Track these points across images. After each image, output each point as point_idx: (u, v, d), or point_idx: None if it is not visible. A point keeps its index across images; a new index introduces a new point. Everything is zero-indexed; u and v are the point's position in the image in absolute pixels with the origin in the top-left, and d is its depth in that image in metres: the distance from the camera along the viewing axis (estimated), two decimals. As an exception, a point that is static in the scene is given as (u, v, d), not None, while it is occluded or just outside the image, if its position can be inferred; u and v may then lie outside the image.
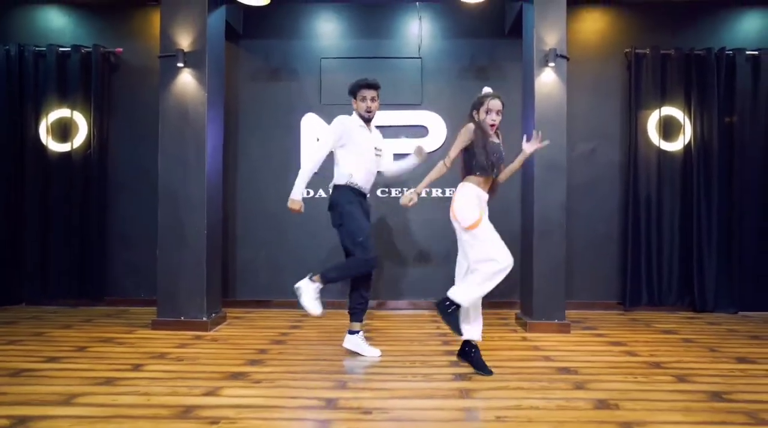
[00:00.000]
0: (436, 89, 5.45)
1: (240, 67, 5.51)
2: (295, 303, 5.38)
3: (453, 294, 2.96)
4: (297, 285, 3.41)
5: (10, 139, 5.28)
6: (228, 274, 5.43)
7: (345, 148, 3.48)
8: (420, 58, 5.45)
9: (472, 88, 5.39)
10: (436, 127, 5.40)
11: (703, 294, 5.16)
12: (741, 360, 3.40)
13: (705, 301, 5.15)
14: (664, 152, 5.30)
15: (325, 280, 3.39)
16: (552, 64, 4.19)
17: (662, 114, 5.28)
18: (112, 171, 5.45)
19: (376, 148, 3.60)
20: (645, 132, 5.32)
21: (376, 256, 3.44)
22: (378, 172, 3.72)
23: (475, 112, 3.10)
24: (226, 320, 4.61)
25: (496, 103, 3.02)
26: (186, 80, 4.26)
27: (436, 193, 5.32)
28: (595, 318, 4.86)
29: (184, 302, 4.21)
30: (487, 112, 3.01)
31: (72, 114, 5.34)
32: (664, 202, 5.28)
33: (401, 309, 5.27)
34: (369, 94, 3.47)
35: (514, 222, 5.25)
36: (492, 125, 3.04)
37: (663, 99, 5.30)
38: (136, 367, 3.14)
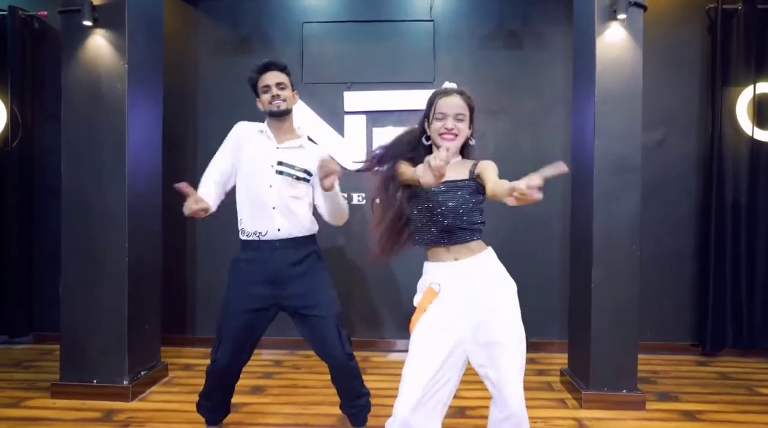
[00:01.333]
0: (452, 62, 4.13)
1: (199, 37, 4.27)
2: (271, 342, 4.24)
3: None
4: None
5: None
6: (185, 307, 4.23)
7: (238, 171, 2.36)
8: (432, 20, 4.13)
9: (500, 59, 4.11)
10: (453, 111, 4.10)
11: (815, 336, 3.82)
12: None
13: (817, 345, 3.82)
14: (760, 143, 3.93)
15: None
16: (622, 16, 2.85)
17: (757, 92, 3.90)
18: (40, 170, 4.25)
19: (280, 164, 2.28)
20: (732, 116, 3.94)
21: (222, 366, 2.28)
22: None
23: (426, 125, 1.84)
24: (167, 376, 3.41)
25: (450, 102, 1.79)
26: (97, 45, 3.02)
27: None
28: (668, 373, 3.56)
29: (96, 358, 3.01)
30: (438, 119, 1.79)
31: (-15, 96, 4.16)
32: (758, 209, 3.93)
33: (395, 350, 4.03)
34: (272, 79, 2.29)
35: (555, 240, 3.94)
36: (446, 135, 1.77)
37: (759, 72, 3.91)
38: None
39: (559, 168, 1.35)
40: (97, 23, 3.00)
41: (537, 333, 4.01)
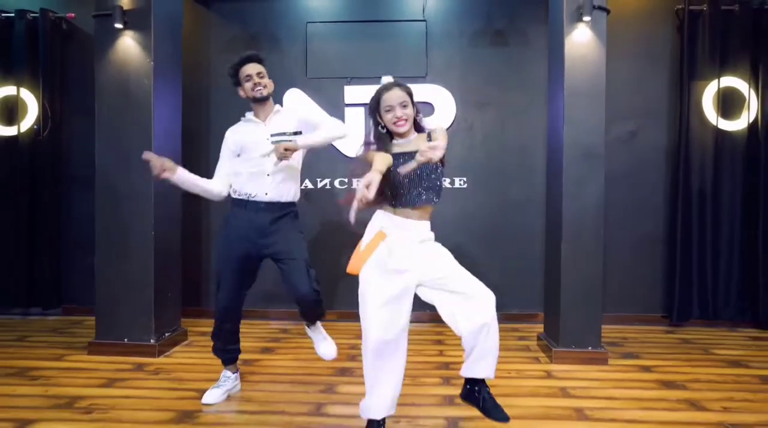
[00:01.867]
0: (443, 58, 4.53)
1: (212, 36, 4.67)
2: (278, 313, 4.67)
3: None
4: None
5: (-55, 122, 4.54)
6: (200, 281, 4.65)
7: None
8: (425, 20, 4.51)
9: (488, 56, 4.49)
10: (444, 103, 4.49)
11: (771, 308, 4.21)
12: None
13: (773, 316, 4.21)
14: (724, 133, 4.30)
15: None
16: (587, 19, 3.23)
17: (721, 86, 4.27)
18: (67, 159, 4.66)
19: (273, 136, 2.63)
20: (699, 108, 4.31)
21: (227, 309, 2.70)
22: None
23: (378, 117, 2.16)
24: (187, 339, 3.83)
25: (393, 95, 2.10)
26: (127, 45, 3.43)
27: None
28: (636, 338, 3.96)
29: (127, 321, 3.43)
30: (387, 111, 2.11)
31: (18, 91, 4.55)
32: (722, 195, 4.31)
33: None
34: (253, 69, 2.70)
35: (537, 221, 4.33)
36: (398, 123, 2.10)
37: (723, 67, 4.28)
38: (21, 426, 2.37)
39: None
40: (127, 26, 3.40)
41: (520, 305, 4.43)
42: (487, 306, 2.01)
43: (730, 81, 4.30)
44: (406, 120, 2.11)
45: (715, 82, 4.28)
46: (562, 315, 3.33)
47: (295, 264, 2.57)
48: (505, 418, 2.03)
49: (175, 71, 3.75)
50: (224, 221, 2.78)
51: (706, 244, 4.31)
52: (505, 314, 4.38)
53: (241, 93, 2.74)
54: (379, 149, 2.11)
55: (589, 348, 3.31)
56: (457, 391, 2.17)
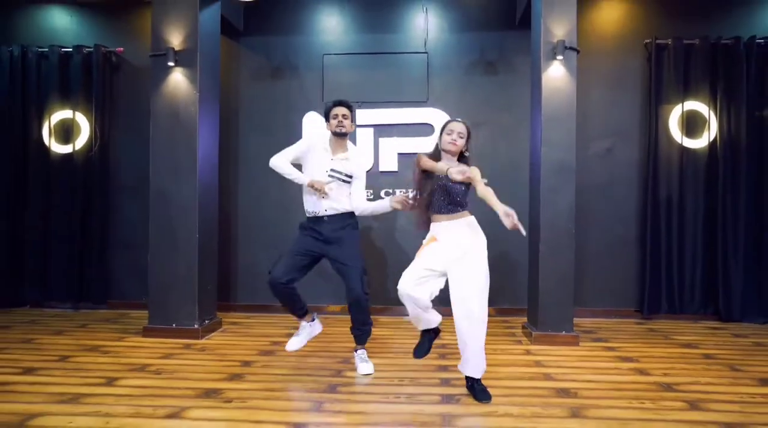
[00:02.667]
0: (442, 85, 5.21)
1: (240, 65, 5.37)
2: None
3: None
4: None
5: (13, 141, 5.26)
6: (229, 279, 5.31)
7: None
8: (426, 52, 5.21)
9: (481, 83, 5.16)
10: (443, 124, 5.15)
11: (729, 303, 4.80)
12: (764, 382, 3.09)
13: (731, 310, 4.80)
14: (687, 150, 4.94)
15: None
16: (560, 57, 3.90)
17: (685, 108, 4.92)
18: (114, 173, 5.38)
19: (332, 171, 3.31)
20: (666, 128, 4.97)
21: (273, 279, 3.24)
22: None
23: (440, 138, 2.98)
24: (222, 327, 4.48)
25: (457, 125, 2.93)
26: (177, 80, 4.13)
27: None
28: (609, 328, 4.57)
29: (175, 309, 4.09)
30: (447, 133, 2.91)
31: (74, 115, 5.28)
32: (686, 203, 4.93)
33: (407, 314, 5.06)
34: (340, 111, 3.33)
35: (525, 221, 4.95)
36: (449, 144, 2.89)
37: (686, 92, 4.93)
38: (110, 382, 3.03)
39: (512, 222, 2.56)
40: (177, 63, 4.10)
41: (510, 301, 5.05)
42: (474, 327, 2.72)
43: (692, 104, 4.94)
44: (456, 145, 2.86)
45: (680, 105, 4.93)
46: (540, 304, 3.96)
47: (350, 270, 3.17)
48: (487, 398, 2.75)
49: (215, 99, 4.45)
50: (299, 227, 3.42)
51: (672, 247, 4.92)
52: (497, 308, 5.03)
53: (327, 127, 3.37)
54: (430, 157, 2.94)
55: (563, 332, 3.93)
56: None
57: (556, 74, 3.97)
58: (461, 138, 2.86)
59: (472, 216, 2.92)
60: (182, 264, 4.10)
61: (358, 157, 3.45)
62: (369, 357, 3.40)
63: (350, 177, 3.34)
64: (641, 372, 3.27)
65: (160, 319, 4.11)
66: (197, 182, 4.10)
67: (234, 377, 3.13)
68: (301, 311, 3.44)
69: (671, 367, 3.37)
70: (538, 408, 2.63)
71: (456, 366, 2.97)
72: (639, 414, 2.57)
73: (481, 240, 2.85)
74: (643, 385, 3.01)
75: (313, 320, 3.50)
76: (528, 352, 3.74)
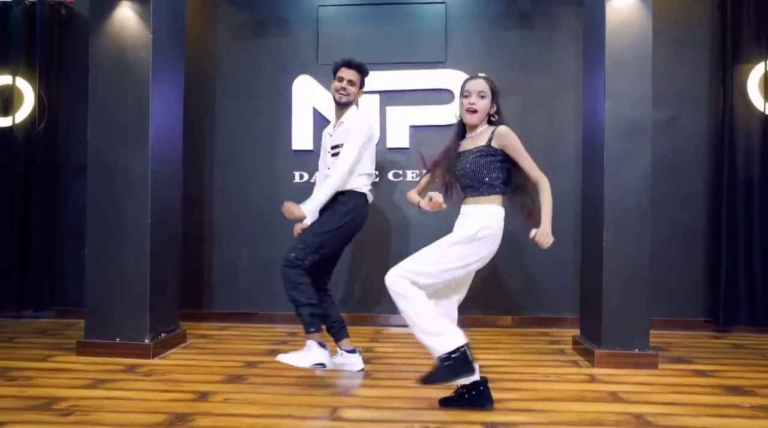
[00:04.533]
0: (463, 42, 4.23)
1: (218, 21, 4.41)
2: (285, 317, 4.31)
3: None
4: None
5: (-61, 112, 4.30)
6: (202, 280, 4.33)
7: None
8: (444, 2, 4.23)
9: (511, 39, 4.19)
10: (465, 90, 4.18)
11: (830, 311, 3.80)
12: None
13: (833, 320, 3.80)
14: (772, 119, 3.95)
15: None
16: (631, -19, 2.92)
17: (769, 68, 3.94)
18: (64, 151, 4.40)
19: (332, 149, 2.91)
20: (744, 93, 3.97)
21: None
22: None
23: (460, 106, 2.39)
24: (186, 341, 3.49)
25: (474, 83, 2.31)
26: (124, 16, 3.15)
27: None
28: (681, 343, 3.57)
29: (120, 318, 3.10)
30: (464, 96, 2.31)
31: (14, 81, 4.31)
32: (772, 186, 3.94)
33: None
34: (346, 74, 2.87)
35: (567, 219, 3.98)
36: (468, 111, 2.29)
37: (770, 48, 3.95)
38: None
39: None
40: (123, -5, 3.13)
41: (550, 308, 4.05)
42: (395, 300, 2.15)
43: (777, 63, 3.96)
44: (476, 111, 2.24)
45: (762, 64, 3.95)
46: (604, 310, 2.96)
47: (301, 237, 2.74)
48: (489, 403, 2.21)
49: (177, 46, 3.47)
50: None
51: (754, 240, 3.93)
52: (531, 318, 4.03)
53: (332, 88, 2.91)
54: (452, 141, 2.38)
55: (636, 350, 2.93)
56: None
57: (623, 2, 2.98)
58: (482, 98, 2.26)
59: (493, 205, 2.25)
60: (129, 261, 3.11)
61: (353, 116, 2.84)
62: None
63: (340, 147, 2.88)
64: (764, 407, 2.27)
65: (100, 332, 3.11)
66: (150, 153, 3.12)
67: (177, 420, 2.12)
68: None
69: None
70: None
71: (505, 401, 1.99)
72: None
73: (470, 225, 2.20)
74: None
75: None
76: (593, 378, 2.73)
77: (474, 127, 2.30)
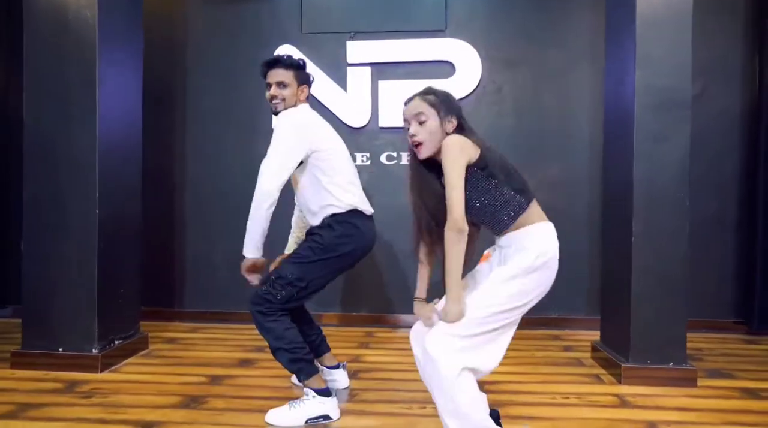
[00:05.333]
0: (465, 8, 3.74)
1: (189, -16, 3.90)
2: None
3: None
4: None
5: None
6: (172, 276, 3.87)
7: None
8: (444, -38, 3.73)
9: (520, 6, 3.70)
10: (467, 62, 3.70)
11: None
12: None
13: None
14: (813, 95, 3.48)
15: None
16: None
17: (812, 37, 3.46)
18: (18, 135, 3.88)
19: None
20: (784, 65, 3.50)
21: None
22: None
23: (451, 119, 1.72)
24: (147, 347, 3.03)
25: (409, 107, 1.72)
26: (64, -32, 2.65)
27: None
28: (712, 349, 3.13)
29: (63, 324, 2.64)
30: (405, 129, 1.75)
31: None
32: (813, 172, 3.48)
33: (403, 326, 3.63)
34: (273, 77, 2.30)
35: (579, 205, 3.54)
36: (413, 143, 1.72)
37: (814, 14, 3.48)
38: None
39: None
40: (64, -61, 2.63)
41: (561, 308, 3.61)
42: (429, 369, 1.58)
43: (822, 31, 3.48)
44: (421, 143, 1.68)
45: (804, 32, 3.47)
46: (633, 317, 2.50)
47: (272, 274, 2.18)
48: None
49: (131, 7, 2.95)
50: None
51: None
52: (540, 318, 3.58)
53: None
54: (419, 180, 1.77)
55: (671, 364, 2.48)
56: None
57: (659, -46, 2.50)
58: (423, 123, 1.68)
59: (529, 226, 1.77)
60: (74, 258, 2.64)
61: (281, 117, 2.27)
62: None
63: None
64: None
65: (40, 341, 2.65)
66: (97, 130, 2.64)
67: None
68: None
69: None
70: None
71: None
72: None
73: (521, 258, 1.68)
74: None
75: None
76: (623, 402, 2.29)
77: (433, 157, 1.71)
